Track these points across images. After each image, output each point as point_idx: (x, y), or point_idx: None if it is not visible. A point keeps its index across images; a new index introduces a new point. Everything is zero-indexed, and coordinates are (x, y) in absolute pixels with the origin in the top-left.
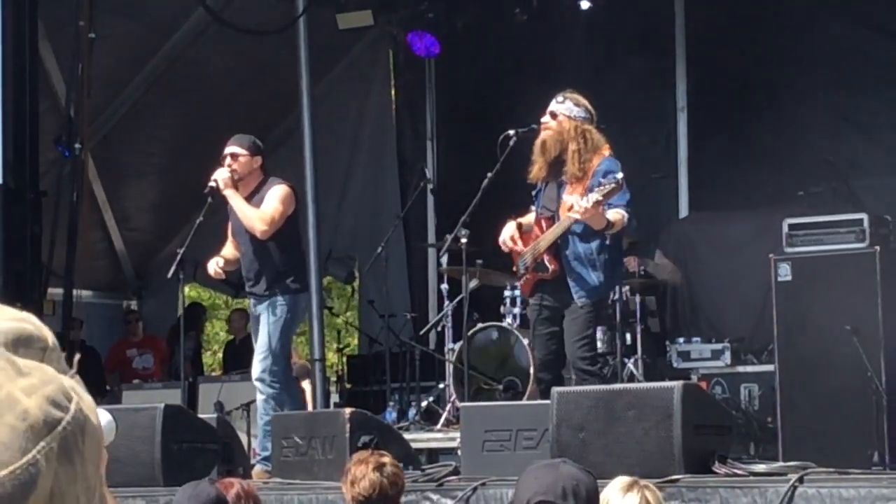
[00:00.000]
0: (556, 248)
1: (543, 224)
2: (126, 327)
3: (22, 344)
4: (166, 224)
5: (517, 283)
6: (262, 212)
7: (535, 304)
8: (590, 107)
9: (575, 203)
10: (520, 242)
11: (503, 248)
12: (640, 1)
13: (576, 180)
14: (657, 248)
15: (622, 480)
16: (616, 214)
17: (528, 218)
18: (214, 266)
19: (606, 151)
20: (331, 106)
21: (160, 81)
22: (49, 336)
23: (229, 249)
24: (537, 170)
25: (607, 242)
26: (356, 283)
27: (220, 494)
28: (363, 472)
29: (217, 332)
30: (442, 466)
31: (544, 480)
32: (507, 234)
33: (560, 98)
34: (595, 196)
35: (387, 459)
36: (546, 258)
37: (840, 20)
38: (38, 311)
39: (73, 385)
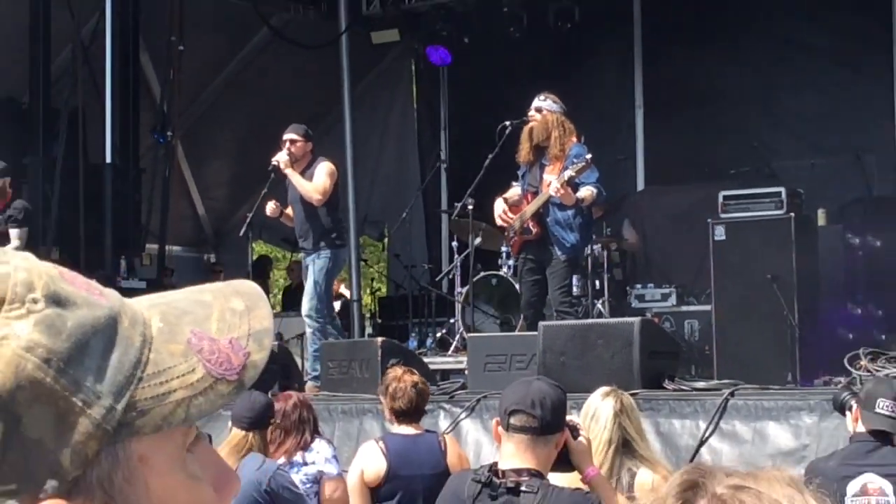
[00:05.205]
0: (539, 216)
1: (529, 198)
2: (211, 277)
3: None
4: (238, 194)
5: (509, 245)
6: (315, 185)
7: (522, 259)
8: (561, 103)
9: (553, 182)
10: (510, 213)
11: (497, 222)
12: (605, 23)
13: (555, 159)
14: (626, 218)
15: (603, 389)
16: (586, 191)
17: (511, 192)
18: (272, 206)
19: (575, 138)
20: (365, 103)
21: (234, 83)
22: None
23: (288, 212)
24: (525, 153)
25: (581, 210)
26: (385, 241)
27: (269, 401)
28: (402, 388)
29: (277, 279)
30: (452, 383)
31: (518, 394)
32: (500, 210)
33: (542, 97)
34: (569, 172)
35: (417, 377)
36: (531, 223)
37: (770, 36)
38: (139, 263)
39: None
